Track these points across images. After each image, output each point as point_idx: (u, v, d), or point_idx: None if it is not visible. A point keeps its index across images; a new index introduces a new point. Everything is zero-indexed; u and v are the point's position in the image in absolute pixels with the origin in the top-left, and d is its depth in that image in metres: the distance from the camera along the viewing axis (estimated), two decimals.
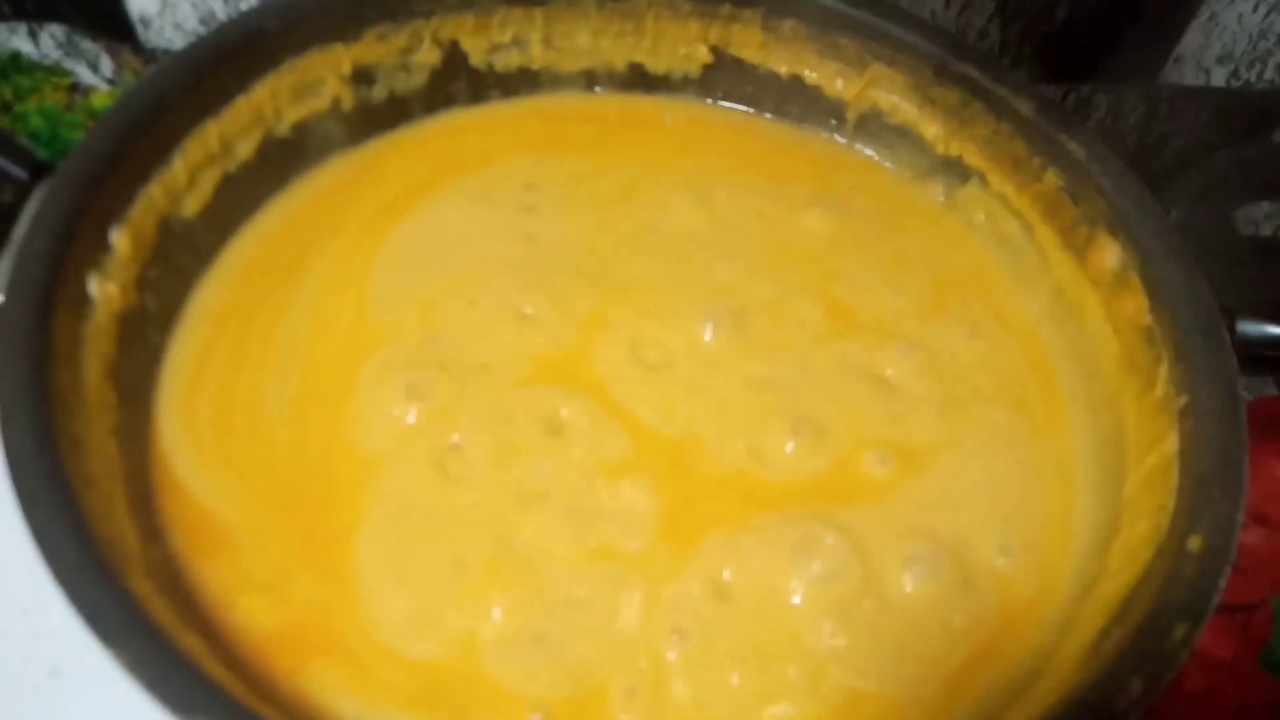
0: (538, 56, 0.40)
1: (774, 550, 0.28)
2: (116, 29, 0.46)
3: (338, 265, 0.34)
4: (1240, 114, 0.53)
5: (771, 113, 0.41)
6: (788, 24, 0.39)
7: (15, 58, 0.47)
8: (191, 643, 0.23)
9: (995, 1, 0.47)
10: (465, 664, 0.26)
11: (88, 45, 0.48)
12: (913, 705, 0.27)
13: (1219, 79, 0.51)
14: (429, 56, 0.38)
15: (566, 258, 0.35)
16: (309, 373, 0.31)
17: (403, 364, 0.31)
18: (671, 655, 0.27)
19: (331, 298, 0.33)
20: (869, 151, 0.41)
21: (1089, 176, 0.34)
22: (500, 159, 0.38)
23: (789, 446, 0.31)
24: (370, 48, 0.36)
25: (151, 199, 0.31)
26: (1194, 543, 0.26)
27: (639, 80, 0.41)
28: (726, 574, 0.28)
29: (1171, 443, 0.29)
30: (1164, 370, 0.30)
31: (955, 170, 0.39)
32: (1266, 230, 0.55)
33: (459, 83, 0.39)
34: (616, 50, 0.40)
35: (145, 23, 0.46)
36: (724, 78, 0.41)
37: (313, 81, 0.35)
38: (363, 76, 0.36)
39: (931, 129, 0.39)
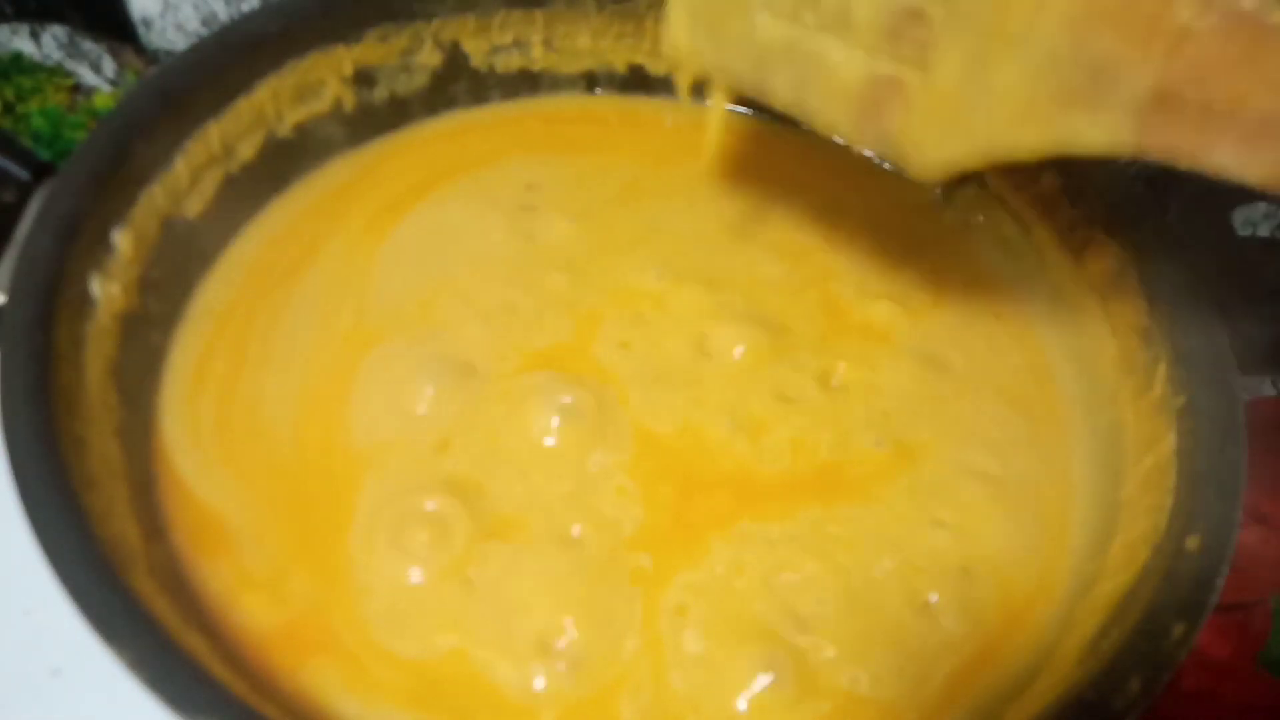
0: (538, 58, 0.40)
1: (770, 548, 0.29)
2: (118, 30, 0.46)
3: (338, 265, 0.34)
4: None
5: (772, 114, 0.41)
6: None
7: (17, 58, 0.47)
8: (194, 642, 0.23)
9: None
10: (461, 664, 0.26)
11: (90, 46, 0.48)
12: (911, 705, 0.27)
13: None
14: (430, 58, 0.38)
15: (566, 257, 0.35)
16: (309, 372, 0.31)
17: (401, 362, 0.31)
18: (669, 651, 0.27)
19: (332, 298, 0.33)
20: (867, 152, 0.41)
21: (1087, 177, 0.34)
22: (501, 160, 0.38)
23: (786, 445, 0.31)
24: (371, 49, 0.36)
25: (153, 200, 0.31)
26: (1192, 542, 0.26)
27: (639, 82, 0.41)
28: (721, 569, 0.28)
29: (1169, 443, 0.29)
30: (1162, 370, 0.30)
31: None
32: (1264, 231, 0.55)
33: (460, 84, 0.39)
34: (617, 52, 0.40)
35: (147, 24, 0.46)
36: None
37: (314, 83, 0.35)
38: (364, 78, 0.37)
39: None
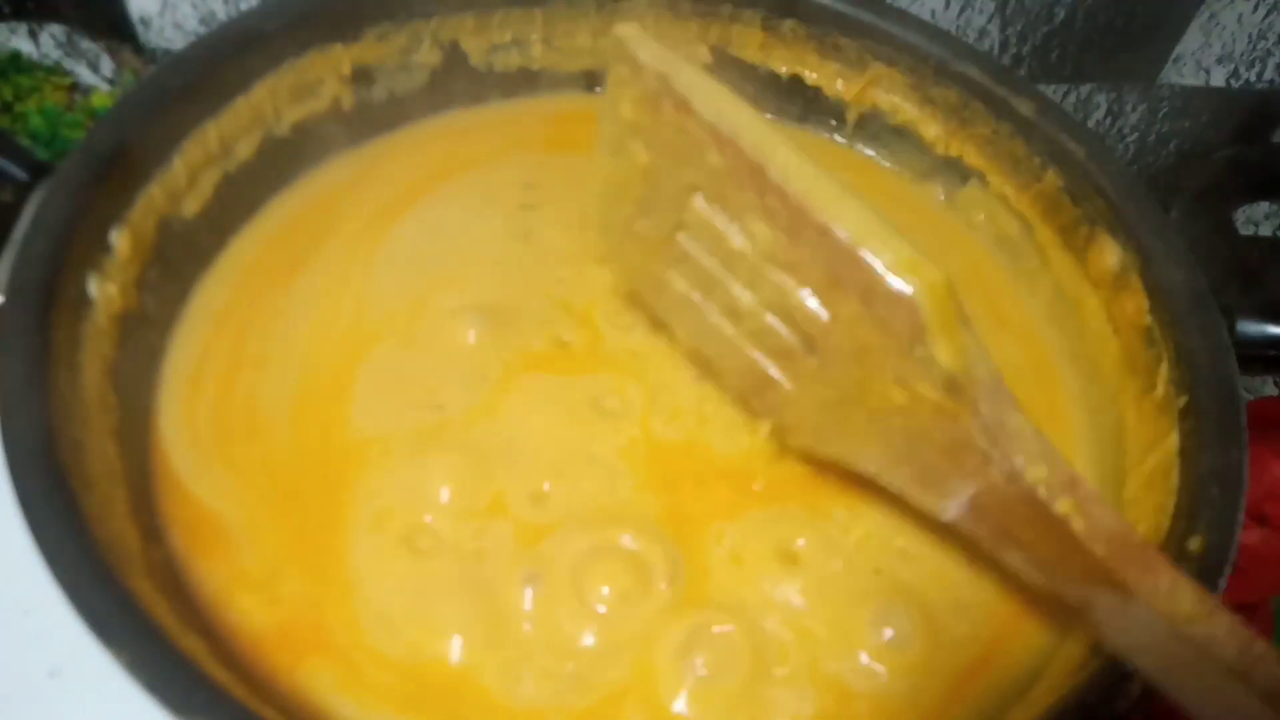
0: (538, 57, 0.40)
1: (768, 547, 0.28)
2: (117, 29, 0.46)
3: (337, 265, 0.34)
4: (1240, 114, 0.53)
5: (772, 113, 0.41)
6: (787, 24, 0.39)
7: (15, 57, 0.47)
8: (192, 643, 0.23)
9: (995, 1, 0.47)
10: (456, 668, 0.26)
11: (88, 45, 0.48)
12: (912, 707, 0.27)
13: (1219, 79, 0.51)
14: (429, 57, 0.38)
15: (564, 256, 0.35)
16: (307, 372, 0.31)
17: (400, 363, 0.31)
18: (675, 645, 0.27)
19: (330, 298, 0.33)
20: (869, 152, 0.41)
21: (1089, 176, 0.34)
22: (500, 159, 0.38)
23: (781, 447, 0.31)
24: (370, 48, 0.36)
25: (151, 200, 0.31)
26: (1194, 543, 0.26)
27: None
28: (722, 565, 0.28)
29: (1172, 443, 0.29)
30: (1164, 370, 0.30)
31: (955, 170, 0.39)
32: (1266, 230, 0.55)
33: (459, 83, 0.39)
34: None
35: (145, 23, 0.46)
36: (724, 78, 0.41)
37: (312, 82, 0.35)
38: (362, 77, 0.36)
39: (931, 129, 0.39)
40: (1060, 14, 0.47)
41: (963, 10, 0.47)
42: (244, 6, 0.45)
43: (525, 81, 0.40)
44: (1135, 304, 0.32)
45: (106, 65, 0.48)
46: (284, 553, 0.27)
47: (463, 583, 0.27)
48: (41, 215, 0.27)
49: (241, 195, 0.34)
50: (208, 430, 0.30)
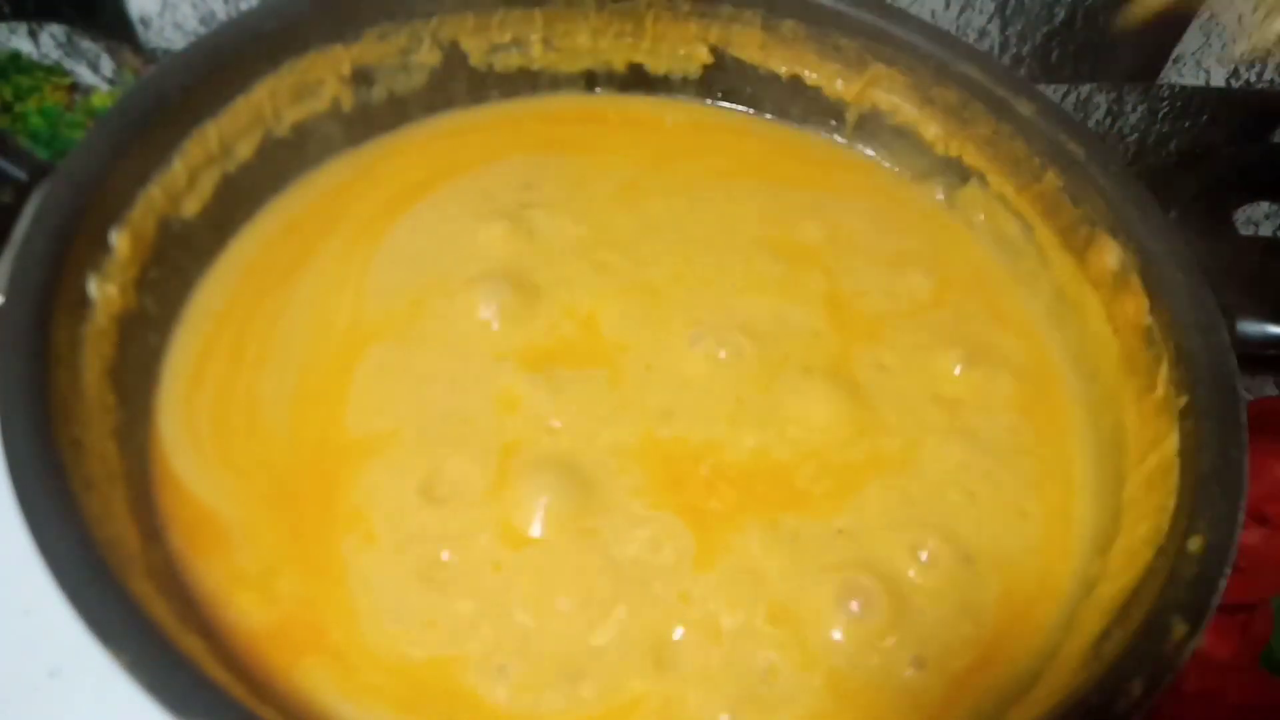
0: (537, 57, 0.40)
1: (766, 549, 0.28)
2: (117, 29, 0.46)
3: (336, 265, 0.34)
4: (1240, 114, 0.53)
5: (771, 113, 0.41)
6: (788, 24, 0.39)
7: (15, 57, 0.47)
8: (192, 643, 0.23)
9: (995, 2, 0.47)
10: (450, 670, 0.26)
11: (88, 45, 0.48)
12: (913, 707, 0.27)
13: (1219, 79, 0.51)
14: (429, 57, 0.38)
15: (563, 256, 0.35)
16: (306, 372, 0.31)
17: (398, 362, 0.31)
18: (669, 655, 0.27)
19: (329, 298, 0.33)
20: (869, 152, 0.41)
21: (1089, 177, 0.34)
22: (499, 159, 0.38)
23: (783, 442, 0.31)
24: (370, 48, 0.36)
25: (151, 200, 0.31)
26: (1194, 543, 0.26)
27: (639, 81, 0.41)
28: (727, 572, 0.28)
29: (1172, 443, 0.29)
30: (1164, 370, 0.30)
31: (955, 170, 0.39)
32: (1266, 230, 0.54)
33: (459, 83, 0.39)
34: (616, 51, 0.40)
35: (145, 23, 0.46)
36: (724, 78, 0.41)
37: (312, 82, 0.35)
38: (362, 77, 0.36)
39: (931, 129, 0.39)
40: (1060, 14, 0.47)
41: (962, 10, 0.47)
42: (244, 7, 0.45)
43: (525, 81, 0.40)
44: (1135, 304, 0.32)
45: (106, 65, 0.48)
46: (282, 551, 0.27)
47: (461, 582, 0.27)
48: (41, 215, 0.27)
49: (241, 195, 0.34)
50: (207, 430, 0.30)
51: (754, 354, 0.33)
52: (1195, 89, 0.51)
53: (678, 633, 0.27)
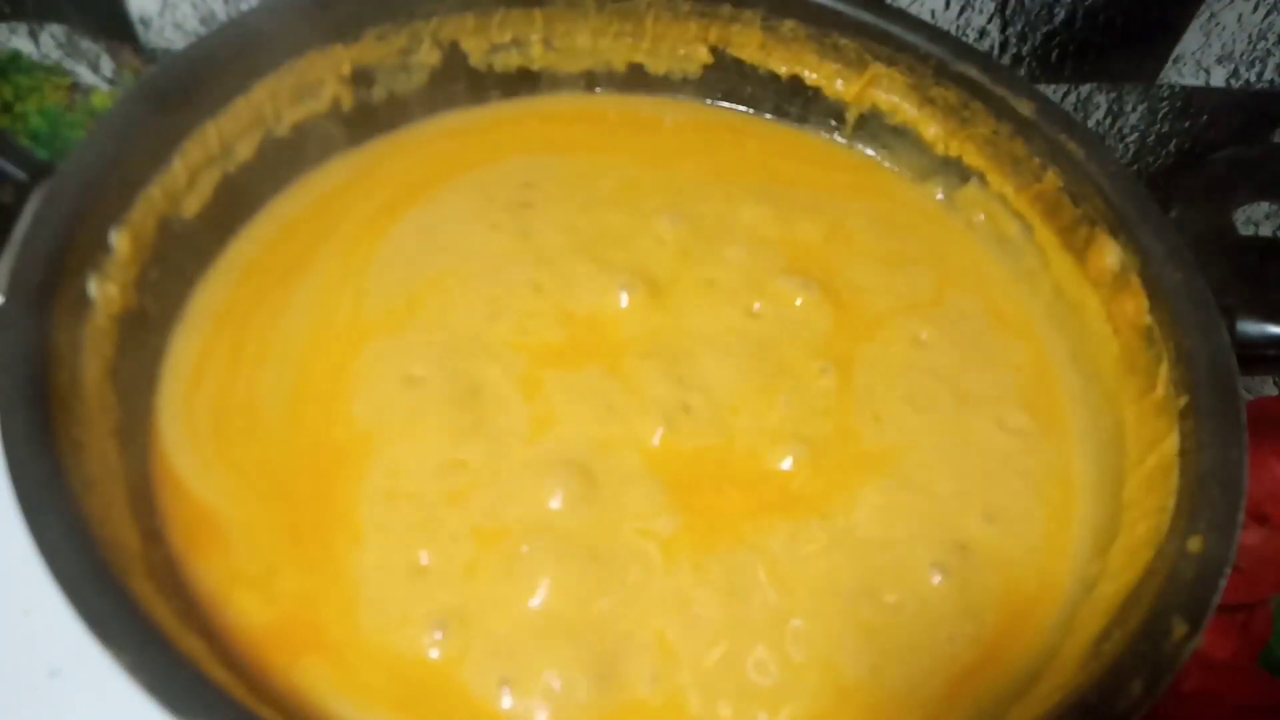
0: (537, 57, 0.40)
1: (769, 549, 0.28)
2: (117, 29, 0.46)
3: (336, 265, 0.34)
4: (1240, 114, 0.53)
5: (771, 113, 0.41)
6: (787, 24, 0.39)
7: (15, 57, 0.47)
8: (192, 644, 0.23)
9: (995, 1, 0.47)
10: (449, 671, 0.26)
11: (88, 45, 0.48)
12: (912, 706, 0.27)
13: (1219, 79, 0.51)
14: (429, 57, 0.38)
15: (563, 255, 0.35)
16: (306, 371, 0.31)
17: (398, 361, 0.31)
18: (667, 656, 0.27)
19: (329, 298, 0.33)
20: (869, 152, 0.41)
21: (1089, 177, 0.34)
22: (499, 159, 0.38)
23: (785, 442, 0.31)
24: (370, 48, 0.36)
25: (151, 200, 0.31)
26: (1194, 543, 0.26)
27: (639, 81, 0.41)
28: (728, 566, 0.28)
29: (1172, 443, 0.29)
30: (1164, 370, 0.30)
31: (955, 170, 0.39)
32: (1266, 230, 0.55)
33: (459, 83, 0.39)
34: (616, 51, 0.40)
35: (145, 23, 0.46)
36: (724, 78, 0.41)
37: (312, 82, 0.35)
38: (362, 77, 0.36)
39: (931, 129, 0.39)
40: (1060, 14, 0.47)
41: (962, 10, 0.47)
42: (244, 7, 0.45)
43: (525, 82, 0.40)
44: (1135, 304, 0.32)
45: (107, 65, 0.48)
46: (281, 551, 0.27)
47: (461, 581, 0.27)
48: (41, 215, 0.27)
49: (241, 195, 0.34)
50: (207, 429, 0.30)
51: (754, 353, 0.33)
52: (1195, 89, 0.51)
53: (678, 632, 0.27)
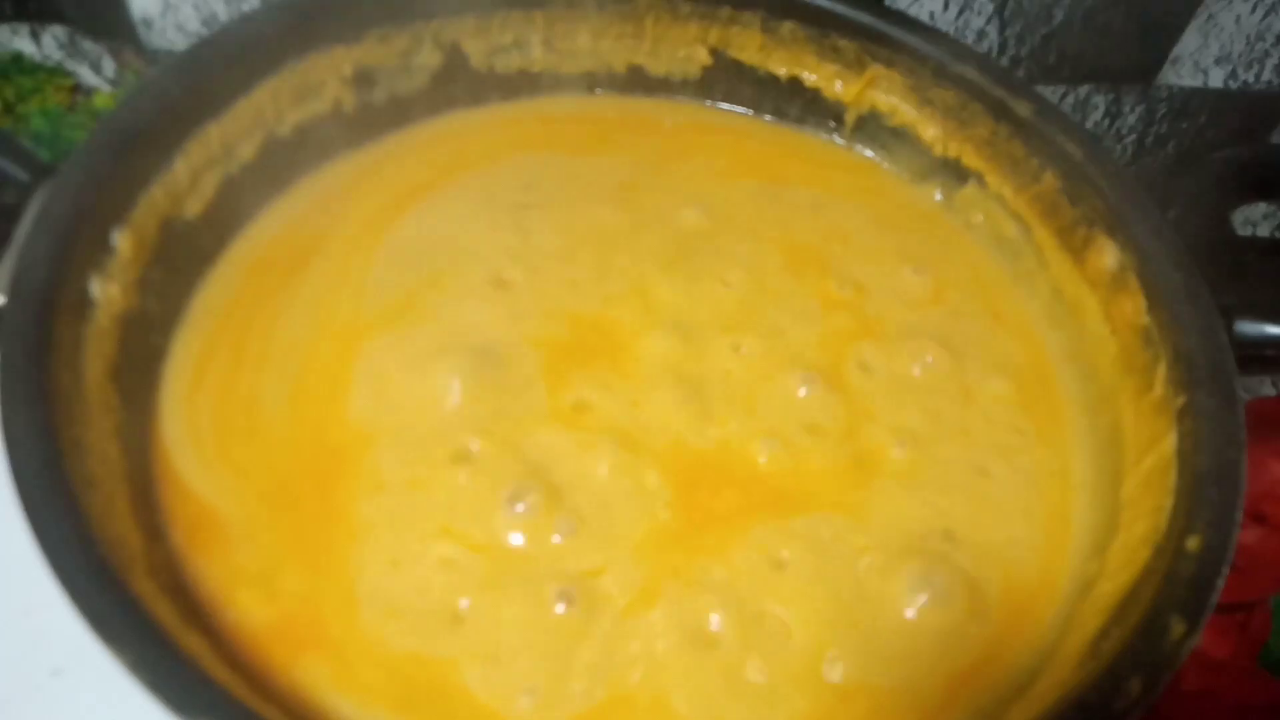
0: (538, 59, 0.40)
1: (770, 548, 0.29)
2: (119, 30, 0.46)
3: (337, 266, 0.34)
4: (1238, 115, 0.53)
5: (771, 114, 0.42)
6: (787, 26, 0.39)
7: (17, 58, 0.47)
8: (194, 643, 0.23)
9: (993, 3, 0.47)
10: (449, 669, 0.26)
11: (90, 46, 0.48)
12: (911, 705, 0.27)
13: (1217, 80, 0.51)
14: (430, 58, 0.38)
15: (563, 256, 0.35)
16: (307, 371, 0.31)
17: (398, 361, 0.31)
18: (667, 649, 0.27)
19: (330, 297, 0.33)
20: (868, 153, 0.41)
21: (1087, 177, 0.34)
22: (500, 160, 0.38)
23: (785, 441, 0.31)
24: (371, 50, 0.36)
25: (153, 200, 0.31)
26: (1192, 542, 0.26)
27: (639, 82, 0.41)
28: (725, 572, 0.28)
29: (1170, 443, 0.29)
30: (1162, 370, 0.30)
31: (953, 171, 0.39)
32: (1264, 231, 0.55)
33: (460, 85, 0.39)
34: (616, 52, 0.40)
35: (147, 24, 0.46)
36: (723, 80, 0.41)
37: (314, 83, 0.35)
38: (364, 78, 0.37)
39: (930, 130, 0.39)
40: (1059, 15, 0.47)
41: (961, 12, 0.47)
42: (246, 8, 0.45)
43: (526, 83, 0.40)
44: (1133, 304, 0.32)
45: (109, 66, 0.48)
46: (283, 549, 0.27)
47: (461, 581, 0.27)
48: (43, 216, 0.27)
49: (243, 196, 0.34)
50: (209, 429, 0.30)
51: (752, 354, 0.33)
52: (1193, 90, 0.52)
53: (674, 635, 0.27)
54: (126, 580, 0.23)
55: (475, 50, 0.38)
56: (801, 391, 0.32)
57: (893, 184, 0.40)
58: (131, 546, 0.25)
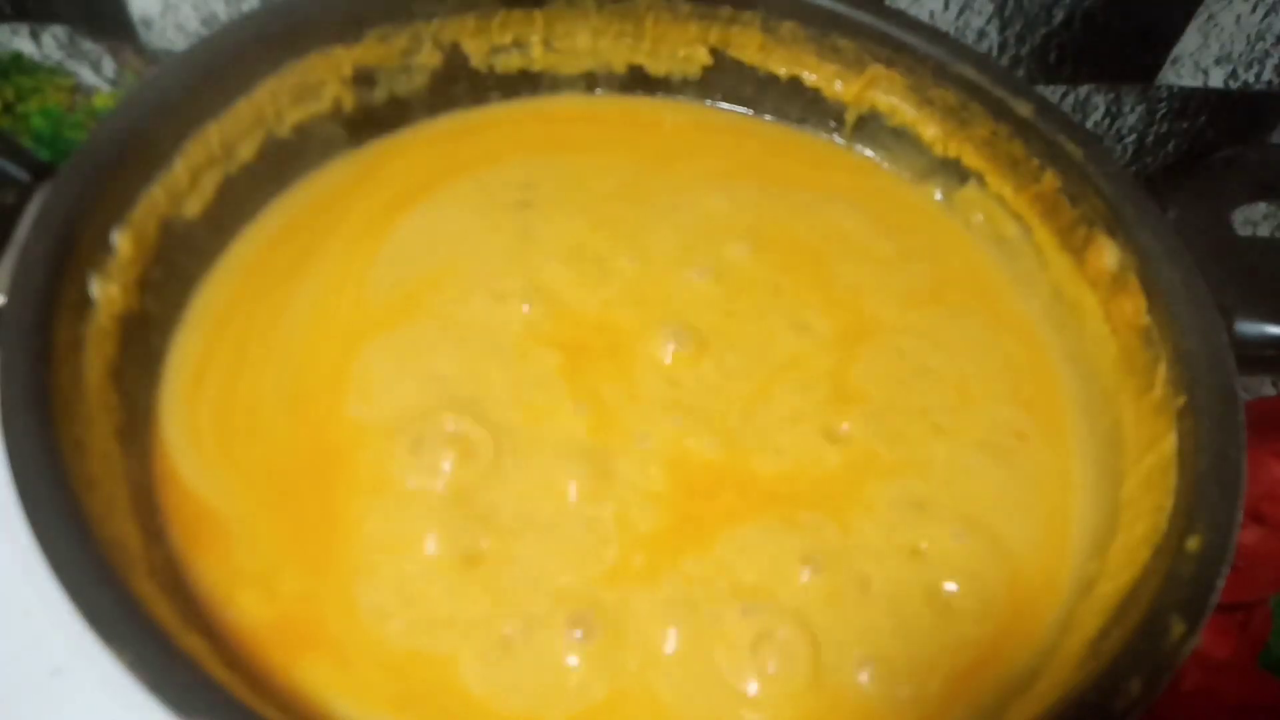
0: (538, 58, 0.40)
1: (774, 550, 0.29)
2: (118, 30, 0.46)
3: (338, 266, 0.34)
4: (1238, 115, 0.53)
5: (771, 114, 0.42)
6: (787, 26, 0.39)
7: (17, 58, 0.47)
8: (193, 643, 0.23)
9: (993, 3, 0.47)
10: (448, 668, 0.26)
11: (90, 46, 0.48)
12: (912, 704, 0.27)
13: (1217, 80, 0.51)
14: (430, 58, 0.38)
15: (563, 256, 0.35)
16: (307, 370, 0.31)
17: (399, 361, 0.31)
18: (667, 648, 0.27)
19: (331, 298, 0.33)
20: (868, 153, 0.41)
21: (1087, 177, 0.34)
22: (500, 160, 0.38)
23: (787, 444, 0.31)
24: (371, 49, 0.36)
25: (153, 200, 0.31)
26: (1192, 543, 0.26)
27: (639, 82, 0.41)
28: (730, 567, 0.28)
29: (1170, 443, 0.29)
30: (1162, 370, 0.30)
31: (953, 171, 0.39)
32: (1264, 231, 0.55)
33: (460, 85, 0.39)
34: (616, 52, 0.40)
35: (147, 24, 0.46)
36: (723, 80, 0.41)
37: (314, 83, 0.35)
38: (364, 78, 0.36)
39: (930, 130, 0.39)
40: (1059, 15, 0.47)
41: (961, 12, 0.47)
42: (246, 8, 0.45)
43: (526, 83, 0.40)
44: (1133, 304, 0.32)
45: (108, 66, 0.48)
46: (282, 549, 0.27)
47: (460, 580, 0.27)
48: (43, 216, 0.27)
49: (243, 196, 0.34)
50: (209, 429, 0.30)
51: (753, 355, 0.33)
52: (1193, 90, 0.52)
53: (671, 636, 0.27)
54: (126, 580, 0.23)
55: (475, 50, 0.38)
56: (799, 391, 0.32)
57: (893, 184, 0.40)
58: (131, 547, 0.25)
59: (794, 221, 0.38)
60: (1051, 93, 0.51)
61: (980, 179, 0.38)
